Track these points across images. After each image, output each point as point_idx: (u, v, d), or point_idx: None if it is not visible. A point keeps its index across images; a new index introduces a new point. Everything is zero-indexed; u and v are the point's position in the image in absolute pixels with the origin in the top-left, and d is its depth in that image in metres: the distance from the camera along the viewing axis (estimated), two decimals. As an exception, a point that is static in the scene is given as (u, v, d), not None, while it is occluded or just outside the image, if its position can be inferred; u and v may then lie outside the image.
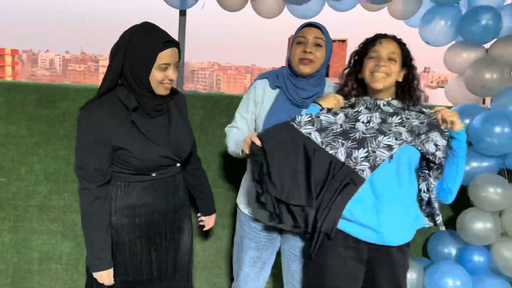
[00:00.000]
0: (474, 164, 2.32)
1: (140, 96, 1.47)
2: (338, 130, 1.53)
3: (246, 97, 1.80)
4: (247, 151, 1.51)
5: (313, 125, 1.53)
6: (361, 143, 1.50)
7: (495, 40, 2.41)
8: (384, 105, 1.57)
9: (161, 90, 1.47)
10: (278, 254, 1.94)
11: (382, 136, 1.50)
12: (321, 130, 1.53)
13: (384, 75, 1.54)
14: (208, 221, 1.96)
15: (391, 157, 1.49)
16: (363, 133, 1.52)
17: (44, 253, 2.51)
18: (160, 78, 1.43)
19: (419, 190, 1.59)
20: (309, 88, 1.69)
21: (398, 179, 1.52)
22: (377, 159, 1.48)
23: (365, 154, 1.49)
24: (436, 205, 1.60)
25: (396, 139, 1.50)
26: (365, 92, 1.65)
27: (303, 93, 1.69)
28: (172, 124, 1.56)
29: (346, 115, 1.56)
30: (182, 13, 2.49)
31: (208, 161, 2.50)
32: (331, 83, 1.80)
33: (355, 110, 1.58)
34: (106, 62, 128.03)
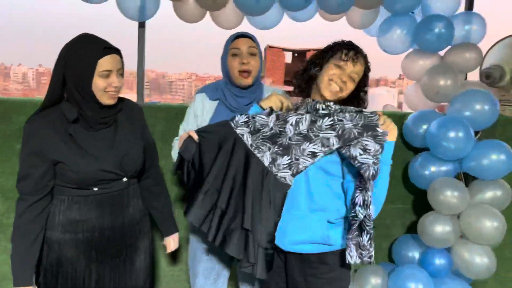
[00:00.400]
0: (433, 168, 2.37)
1: (84, 108, 1.44)
2: (267, 133, 1.52)
3: (188, 112, 1.86)
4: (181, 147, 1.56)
5: (247, 126, 1.54)
6: (286, 149, 1.49)
7: (448, 47, 2.49)
8: (323, 109, 1.52)
9: (106, 99, 1.44)
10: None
11: (308, 143, 1.47)
12: (253, 132, 1.53)
13: (338, 89, 1.53)
14: (170, 243, 1.82)
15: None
16: (289, 139, 1.50)
17: (2, 273, 2.43)
18: (103, 86, 1.41)
19: (354, 204, 1.41)
20: (248, 95, 1.76)
21: (308, 188, 1.50)
22: (300, 166, 1.47)
23: (288, 161, 1.48)
24: (367, 235, 1.40)
25: (322, 145, 1.45)
26: (309, 94, 1.63)
27: (243, 100, 1.75)
28: (117, 137, 1.52)
29: (277, 116, 1.53)
30: (141, 25, 2.48)
31: (170, 172, 2.48)
32: (269, 87, 1.85)
33: (297, 112, 1.54)
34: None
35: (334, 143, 1.45)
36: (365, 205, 1.38)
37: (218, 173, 1.52)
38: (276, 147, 1.50)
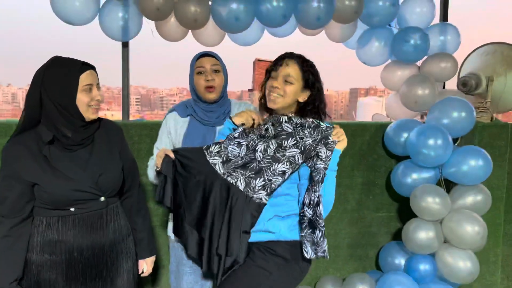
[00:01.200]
0: (414, 176, 2.43)
1: (63, 129, 1.47)
2: (239, 163, 1.63)
3: (161, 131, 1.92)
4: (159, 165, 1.63)
5: (220, 156, 1.64)
6: (258, 172, 1.60)
7: (425, 57, 2.57)
8: (285, 121, 1.65)
9: (90, 114, 1.49)
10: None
11: (276, 163, 1.59)
12: (225, 162, 1.64)
13: (277, 95, 1.62)
14: (142, 265, 1.76)
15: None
16: (259, 162, 1.61)
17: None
18: (87, 100, 1.46)
19: (303, 204, 1.56)
20: (217, 109, 1.85)
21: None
22: (273, 185, 1.58)
23: (262, 183, 1.58)
24: (320, 232, 1.51)
25: (290, 163, 1.58)
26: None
27: (213, 114, 1.84)
28: (92, 157, 1.54)
29: (247, 147, 1.66)
30: (125, 45, 2.53)
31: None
32: (236, 101, 1.96)
33: (264, 128, 1.68)
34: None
35: (299, 158, 1.58)
36: (311, 205, 1.52)
37: (195, 199, 1.64)
38: (248, 172, 1.61)
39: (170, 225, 1.91)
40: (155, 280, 2.58)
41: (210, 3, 2.30)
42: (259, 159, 1.61)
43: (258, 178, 1.59)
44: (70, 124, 1.47)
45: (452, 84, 2.81)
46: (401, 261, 2.51)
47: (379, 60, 2.67)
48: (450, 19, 2.86)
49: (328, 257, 1.54)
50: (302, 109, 1.66)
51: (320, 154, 1.55)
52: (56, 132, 1.46)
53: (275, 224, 1.59)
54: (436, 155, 2.31)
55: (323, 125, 1.61)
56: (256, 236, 1.59)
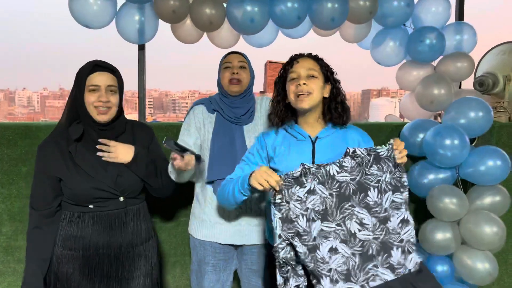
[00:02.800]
0: (431, 176, 2.41)
1: (87, 127, 1.57)
2: (356, 262, 1.37)
3: (187, 123, 1.90)
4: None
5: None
6: (386, 247, 1.40)
7: (441, 57, 2.55)
8: (337, 172, 1.40)
9: (96, 115, 1.55)
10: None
11: (389, 221, 1.41)
12: (348, 277, 1.37)
13: (306, 94, 1.55)
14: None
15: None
16: (375, 238, 1.39)
17: (11, 295, 2.46)
18: (92, 100, 1.53)
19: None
20: (242, 105, 1.87)
21: None
22: (411, 240, 1.44)
23: (400, 251, 1.41)
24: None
25: (397, 209, 1.44)
26: (294, 114, 1.66)
27: (238, 111, 1.85)
28: None
29: (344, 242, 1.37)
30: (141, 48, 2.56)
31: (179, 187, 2.52)
32: (258, 97, 1.98)
33: (307, 189, 1.38)
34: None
35: (399, 197, 1.45)
36: (407, 222, 1.49)
37: None
38: (380, 258, 1.38)
39: (192, 223, 1.92)
40: (174, 277, 2.60)
41: (225, 5, 2.32)
42: (371, 236, 1.37)
43: (392, 250, 1.38)
44: (88, 123, 1.57)
45: (468, 84, 2.79)
46: (417, 262, 2.49)
47: (394, 60, 2.65)
48: (466, 19, 2.83)
49: None
50: (329, 107, 1.60)
51: (404, 182, 1.44)
52: (85, 129, 1.57)
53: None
54: (453, 155, 2.29)
55: (380, 149, 1.45)
56: None
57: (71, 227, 1.58)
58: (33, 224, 1.58)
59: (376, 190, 1.41)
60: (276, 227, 1.35)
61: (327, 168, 1.40)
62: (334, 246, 1.35)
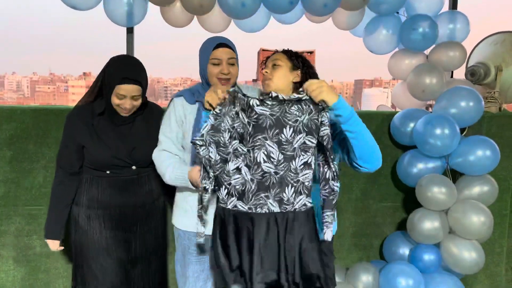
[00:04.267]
0: (420, 165, 2.41)
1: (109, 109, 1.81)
2: (253, 187, 1.51)
3: (167, 117, 1.82)
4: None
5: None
6: (282, 183, 1.49)
7: (433, 46, 2.53)
8: (257, 105, 1.50)
9: (120, 112, 1.82)
10: None
11: (293, 161, 1.48)
12: (242, 196, 1.53)
13: (267, 80, 1.66)
14: None
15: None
16: (276, 173, 1.49)
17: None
18: (117, 103, 1.78)
19: (326, 180, 1.49)
20: None
21: None
22: (305, 183, 1.49)
23: (293, 190, 1.49)
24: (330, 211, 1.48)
25: (305, 151, 1.48)
26: None
27: None
28: (130, 132, 1.86)
29: (248, 167, 1.51)
30: (130, 31, 2.50)
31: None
32: (240, 84, 1.89)
33: (235, 110, 1.52)
34: (75, 82, 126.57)
35: (311, 140, 1.48)
36: (337, 177, 1.47)
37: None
38: (272, 190, 1.49)
39: (175, 214, 1.89)
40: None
41: (216, -12, 2.27)
42: (272, 170, 1.49)
43: (287, 188, 1.48)
44: (111, 110, 1.82)
45: (460, 73, 2.78)
46: (405, 251, 2.50)
47: (386, 48, 2.63)
48: (460, 8, 2.81)
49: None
50: (297, 88, 1.66)
51: (322, 120, 1.44)
52: (107, 105, 1.80)
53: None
54: (443, 144, 2.29)
55: (298, 95, 1.48)
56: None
57: (91, 190, 1.86)
58: (58, 179, 1.88)
59: (291, 129, 1.48)
60: (204, 128, 1.52)
61: (249, 99, 1.51)
62: (240, 167, 1.52)
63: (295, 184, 1.49)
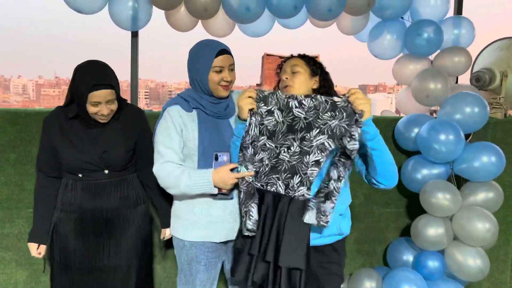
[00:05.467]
0: (424, 171, 2.39)
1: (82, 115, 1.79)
2: (267, 170, 1.62)
3: (164, 128, 1.74)
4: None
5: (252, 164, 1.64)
6: (292, 171, 1.59)
7: (438, 51, 2.52)
8: (296, 106, 1.59)
9: (98, 119, 1.79)
10: None
11: (307, 155, 1.57)
12: (255, 174, 1.64)
13: (289, 86, 1.70)
14: (165, 232, 2.05)
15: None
16: (288, 161, 1.60)
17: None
18: (94, 111, 1.75)
19: (329, 178, 1.55)
20: (224, 100, 1.79)
21: None
22: (310, 178, 1.57)
23: (299, 179, 1.58)
24: (331, 204, 1.55)
25: (321, 151, 1.56)
26: None
27: (220, 106, 1.77)
28: (102, 136, 1.82)
29: (269, 159, 1.62)
30: (134, 35, 2.51)
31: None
32: (234, 91, 1.89)
33: (268, 109, 1.62)
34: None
35: (330, 144, 1.55)
36: (339, 180, 1.53)
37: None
38: (283, 174, 1.60)
39: (178, 226, 1.83)
40: (164, 269, 2.58)
41: (220, -8, 2.28)
42: (286, 159, 1.60)
43: (295, 176, 1.58)
44: (86, 117, 1.79)
45: (465, 79, 2.77)
46: (409, 257, 2.48)
47: (391, 53, 2.62)
48: (465, 13, 2.80)
49: (327, 226, 1.55)
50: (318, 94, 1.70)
51: (353, 135, 1.48)
52: (79, 112, 1.78)
53: (343, 227, 1.71)
54: (447, 150, 2.27)
55: (338, 99, 1.54)
56: (328, 239, 1.68)
57: (66, 192, 1.85)
58: (40, 183, 1.88)
59: (318, 130, 1.57)
60: (252, 121, 1.63)
61: (289, 100, 1.60)
62: (263, 158, 1.64)
63: (302, 175, 1.58)
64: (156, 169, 1.72)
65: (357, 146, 1.48)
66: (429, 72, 2.46)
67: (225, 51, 1.72)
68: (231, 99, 1.82)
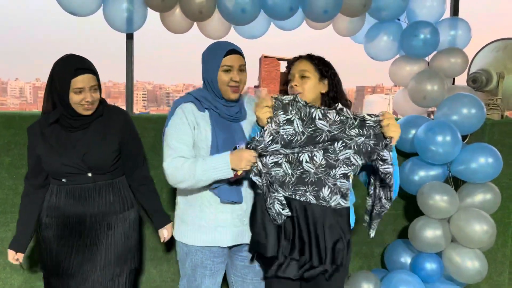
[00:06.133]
0: (422, 173, 2.38)
1: (65, 115, 1.75)
2: (293, 181, 1.61)
3: (177, 123, 1.71)
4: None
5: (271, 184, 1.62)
6: (319, 183, 1.59)
7: (434, 53, 2.51)
8: (319, 118, 1.55)
9: (82, 110, 1.74)
10: None
11: (334, 169, 1.57)
12: (280, 185, 1.62)
13: (296, 90, 1.67)
14: (163, 233, 1.99)
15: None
16: (315, 173, 1.59)
17: (-9, 286, 2.41)
18: (78, 100, 1.71)
19: (379, 199, 1.63)
20: (236, 104, 1.78)
21: None
22: (342, 189, 1.59)
23: (329, 191, 1.59)
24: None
25: (347, 165, 1.57)
26: None
27: (233, 109, 1.76)
28: (83, 138, 1.78)
29: (289, 162, 1.60)
30: (129, 37, 2.50)
31: (161, 183, 2.47)
32: (245, 96, 1.87)
33: (287, 117, 1.58)
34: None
35: (357, 159, 1.56)
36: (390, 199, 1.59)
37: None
38: (310, 186, 1.60)
39: (184, 230, 1.80)
40: (161, 272, 2.56)
41: (215, -6, 2.27)
42: (312, 171, 1.59)
43: (323, 188, 1.59)
44: (67, 113, 1.75)
45: (461, 80, 2.75)
46: (407, 259, 2.47)
47: (387, 55, 2.61)
48: (461, 14, 2.80)
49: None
50: (328, 99, 1.70)
51: (385, 158, 1.50)
52: (60, 116, 1.75)
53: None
54: (444, 152, 2.26)
55: (368, 118, 1.52)
56: None
57: (52, 198, 1.83)
58: (24, 191, 1.87)
59: (343, 143, 1.55)
60: (268, 127, 1.58)
61: (312, 110, 1.55)
62: (279, 162, 1.59)
63: (331, 186, 1.59)
64: (167, 165, 1.66)
65: (391, 169, 1.51)
66: (426, 74, 2.45)
67: (235, 51, 1.71)
68: (242, 105, 1.81)
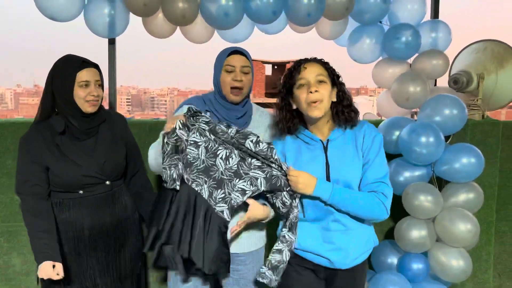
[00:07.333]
0: (406, 174, 2.40)
1: (71, 118, 1.68)
2: (201, 167, 1.59)
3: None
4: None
5: (180, 160, 1.55)
6: (219, 183, 1.58)
7: (416, 55, 2.55)
8: (222, 157, 1.59)
9: (87, 107, 1.69)
10: None
11: (238, 179, 1.57)
12: (187, 165, 1.58)
13: (319, 102, 1.53)
14: None
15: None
16: (221, 173, 1.58)
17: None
18: (83, 95, 1.66)
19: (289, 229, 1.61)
20: (239, 109, 1.74)
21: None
22: (232, 201, 1.56)
23: (222, 195, 1.57)
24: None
25: (251, 184, 1.56)
26: (301, 120, 1.67)
27: (234, 113, 1.73)
28: (97, 146, 1.73)
29: (206, 149, 1.59)
30: (111, 42, 2.47)
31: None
32: (256, 106, 1.85)
33: (195, 140, 1.59)
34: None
35: (262, 184, 1.56)
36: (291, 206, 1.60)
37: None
38: (211, 180, 1.58)
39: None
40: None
41: (198, -2, 2.26)
42: (221, 169, 1.58)
43: (220, 189, 1.57)
44: (74, 114, 1.68)
45: (443, 81, 2.81)
46: (393, 260, 2.48)
47: (370, 57, 2.64)
48: (441, 16, 2.84)
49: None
50: (337, 111, 1.61)
51: (285, 202, 1.55)
52: (67, 121, 1.68)
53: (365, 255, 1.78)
54: (428, 152, 2.29)
55: (274, 164, 1.56)
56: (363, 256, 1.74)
57: (62, 213, 1.71)
58: (25, 204, 1.66)
59: (259, 163, 1.57)
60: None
61: (220, 148, 1.58)
62: (199, 143, 1.59)
63: (226, 194, 1.58)
64: (149, 149, 1.70)
65: (284, 211, 1.57)
66: (408, 75, 2.48)
67: (239, 52, 1.70)
68: (250, 110, 1.78)
